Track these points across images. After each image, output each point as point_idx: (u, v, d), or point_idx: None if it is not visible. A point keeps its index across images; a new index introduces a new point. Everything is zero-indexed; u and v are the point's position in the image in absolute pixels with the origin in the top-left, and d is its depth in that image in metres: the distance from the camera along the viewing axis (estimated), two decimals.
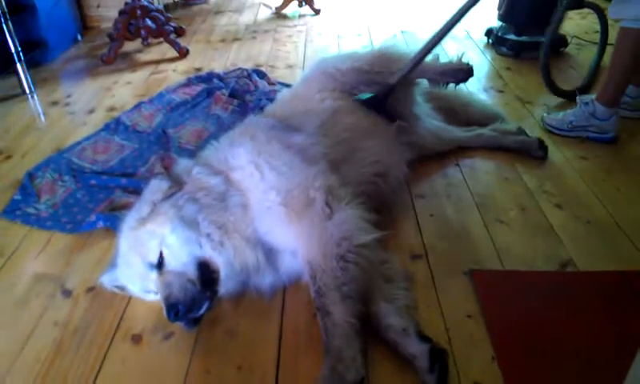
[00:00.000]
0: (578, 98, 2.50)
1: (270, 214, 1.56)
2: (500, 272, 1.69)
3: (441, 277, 1.68)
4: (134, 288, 1.57)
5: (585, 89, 2.88)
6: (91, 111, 3.01)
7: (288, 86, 3.07)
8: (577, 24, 4.02)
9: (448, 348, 1.41)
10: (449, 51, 3.66)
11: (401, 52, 2.24)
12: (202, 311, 1.46)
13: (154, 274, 1.48)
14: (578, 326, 1.48)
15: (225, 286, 1.55)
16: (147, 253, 1.48)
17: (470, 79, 2.15)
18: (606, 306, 1.55)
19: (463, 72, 2.09)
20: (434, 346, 1.34)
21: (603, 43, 3.04)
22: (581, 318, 1.51)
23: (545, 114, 2.57)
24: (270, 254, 1.60)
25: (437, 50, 2.14)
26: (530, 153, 2.29)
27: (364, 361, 1.32)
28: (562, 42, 3.51)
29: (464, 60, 2.15)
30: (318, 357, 1.39)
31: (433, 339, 1.37)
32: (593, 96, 2.41)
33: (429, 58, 2.15)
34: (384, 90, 2.09)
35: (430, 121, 2.29)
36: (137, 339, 1.52)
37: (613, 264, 1.69)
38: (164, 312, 1.41)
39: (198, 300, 1.44)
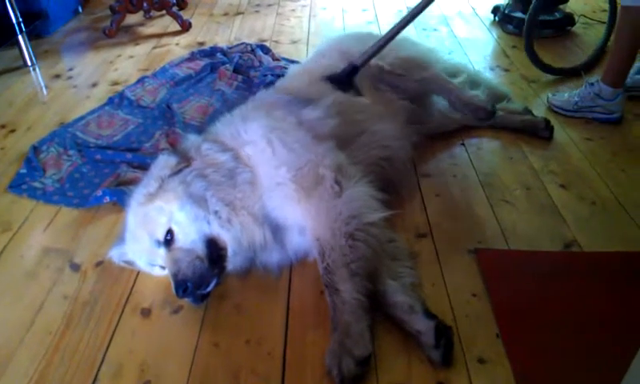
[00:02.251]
0: (584, 78, 2.49)
1: (279, 190, 1.57)
2: (504, 251, 1.70)
3: (446, 255, 1.69)
4: (141, 262, 1.58)
5: (587, 66, 2.87)
6: (94, 85, 2.99)
7: (294, 62, 3.05)
8: (584, 3, 3.97)
9: (453, 325, 1.43)
10: (456, 30, 3.63)
11: (428, 60, 2.23)
12: (209, 288, 1.48)
13: (161, 250, 1.50)
14: (581, 305, 1.50)
15: (232, 263, 1.57)
16: (155, 229, 1.49)
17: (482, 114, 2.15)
18: (610, 286, 1.57)
19: (485, 112, 2.08)
20: (440, 322, 1.37)
21: (611, 23, 3.01)
22: (584, 297, 1.53)
23: (550, 95, 2.56)
24: (277, 231, 1.61)
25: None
26: (536, 133, 2.29)
27: (371, 336, 1.34)
28: (568, 20, 3.47)
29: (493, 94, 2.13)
30: (325, 332, 1.41)
31: (438, 316, 1.39)
32: (598, 77, 2.40)
33: (457, 80, 2.19)
34: (348, 70, 2.04)
35: (437, 100, 2.28)
36: (146, 313, 1.55)
37: (616, 245, 1.71)
38: (173, 288, 1.43)
39: (206, 277, 1.46)
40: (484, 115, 2.09)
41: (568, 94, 2.49)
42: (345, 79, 2.04)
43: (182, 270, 1.43)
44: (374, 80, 2.10)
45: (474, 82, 2.47)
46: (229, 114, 1.80)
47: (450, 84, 2.16)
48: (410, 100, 2.13)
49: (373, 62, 2.10)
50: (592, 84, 2.39)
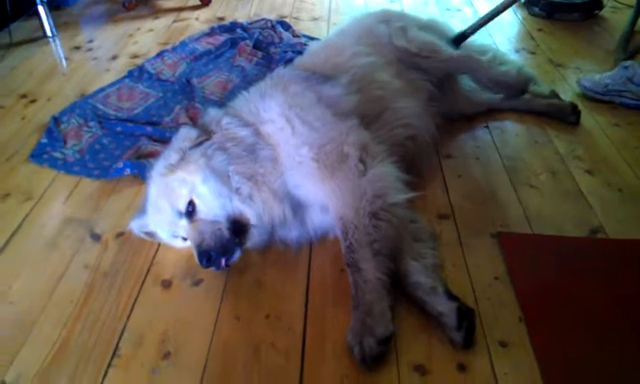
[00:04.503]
0: (619, 60, 2.42)
1: (301, 169, 1.55)
2: (528, 235, 1.68)
3: (468, 237, 1.67)
4: (163, 234, 1.58)
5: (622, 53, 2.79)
6: (114, 57, 2.98)
7: (314, 39, 3.01)
8: None
9: (474, 307, 1.41)
10: (480, 11, 3.55)
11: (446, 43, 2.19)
12: (234, 258, 1.48)
13: (183, 221, 1.50)
14: (605, 292, 1.47)
15: (252, 238, 1.56)
16: (177, 200, 1.49)
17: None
18: (635, 273, 1.54)
19: (516, 90, 2.03)
20: (462, 304, 1.35)
21: (639, 6, 2.92)
22: (609, 283, 1.50)
23: (580, 75, 2.49)
24: (297, 208, 1.60)
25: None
26: (562, 117, 2.24)
27: (393, 316, 1.33)
28: (596, 4, 3.37)
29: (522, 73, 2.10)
30: (345, 309, 1.41)
31: (460, 298, 1.38)
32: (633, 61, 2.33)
33: (486, 57, 2.19)
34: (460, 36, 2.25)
35: (462, 81, 2.24)
36: (167, 284, 1.55)
37: None
38: (196, 258, 1.43)
39: (228, 246, 1.46)
40: (517, 93, 2.03)
41: (599, 76, 2.41)
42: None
43: (206, 240, 1.43)
44: (400, 61, 2.05)
45: (500, 63, 2.41)
46: (246, 92, 1.78)
47: (479, 62, 2.11)
48: (434, 82, 2.09)
49: (400, 43, 2.07)
50: (626, 67, 2.32)
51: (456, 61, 2.09)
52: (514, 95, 2.07)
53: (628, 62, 2.35)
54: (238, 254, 1.50)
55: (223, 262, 1.46)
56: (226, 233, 1.47)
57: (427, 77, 2.07)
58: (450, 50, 2.09)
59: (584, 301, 1.44)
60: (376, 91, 1.85)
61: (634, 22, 2.94)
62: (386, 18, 2.22)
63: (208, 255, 1.40)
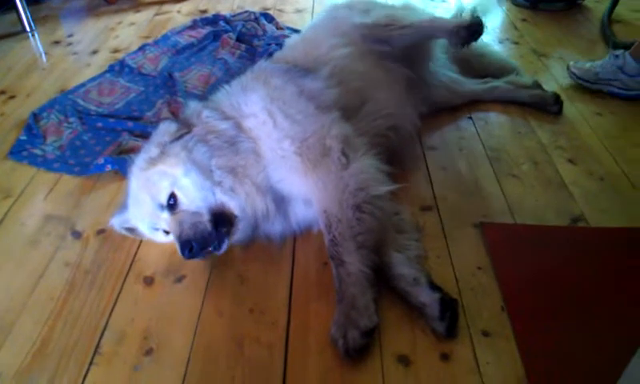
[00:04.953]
0: (609, 49, 2.42)
1: (284, 162, 1.54)
2: (510, 225, 1.68)
3: (451, 229, 1.67)
4: (144, 228, 1.56)
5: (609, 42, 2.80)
6: (95, 52, 2.93)
7: (297, 31, 2.99)
8: None
9: (458, 298, 1.42)
10: (464, 0, 3.55)
11: (413, 14, 2.15)
12: (223, 248, 1.47)
13: (164, 214, 1.48)
14: (587, 281, 1.48)
15: (238, 229, 1.55)
16: (158, 193, 1.48)
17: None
18: (616, 262, 1.55)
19: (464, 30, 1.89)
20: (445, 295, 1.36)
21: None
22: (590, 272, 1.51)
23: (571, 63, 2.48)
24: (280, 202, 1.59)
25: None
26: (545, 107, 2.25)
27: (376, 308, 1.33)
28: None
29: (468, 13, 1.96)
30: (329, 302, 1.40)
31: (443, 289, 1.38)
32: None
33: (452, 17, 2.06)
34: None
35: (444, 72, 2.23)
36: (149, 281, 1.53)
37: (624, 221, 1.68)
38: (178, 249, 1.41)
39: (209, 238, 1.44)
40: (465, 34, 1.89)
41: (590, 64, 2.41)
42: None
43: (186, 230, 1.42)
44: (365, 41, 2.00)
45: (483, 53, 2.42)
46: (228, 85, 1.76)
47: (434, 21, 2.03)
48: (408, 63, 2.06)
49: (358, 20, 2.04)
50: (617, 56, 2.31)
51: (417, 27, 2.00)
52: (465, 37, 1.90)
53: (619, 51, 2.34)
54: (226, 244, 1.48)
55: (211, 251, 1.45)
56: (208, 225, 1.45)
57: (393, 50, 2.01)
58: (411, 18, 2.03)
59: (565, 289, 1.45)
60: (355, 82, 1.83)
61: (611, 12, 2.96)
62: (351, 5, 2.20)
63: (190, 245, 1.39)
